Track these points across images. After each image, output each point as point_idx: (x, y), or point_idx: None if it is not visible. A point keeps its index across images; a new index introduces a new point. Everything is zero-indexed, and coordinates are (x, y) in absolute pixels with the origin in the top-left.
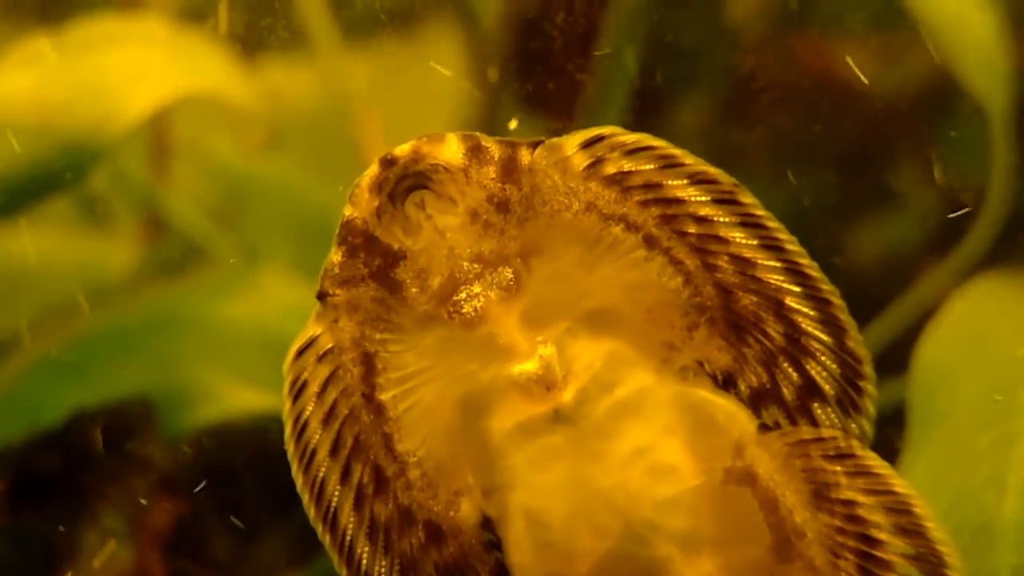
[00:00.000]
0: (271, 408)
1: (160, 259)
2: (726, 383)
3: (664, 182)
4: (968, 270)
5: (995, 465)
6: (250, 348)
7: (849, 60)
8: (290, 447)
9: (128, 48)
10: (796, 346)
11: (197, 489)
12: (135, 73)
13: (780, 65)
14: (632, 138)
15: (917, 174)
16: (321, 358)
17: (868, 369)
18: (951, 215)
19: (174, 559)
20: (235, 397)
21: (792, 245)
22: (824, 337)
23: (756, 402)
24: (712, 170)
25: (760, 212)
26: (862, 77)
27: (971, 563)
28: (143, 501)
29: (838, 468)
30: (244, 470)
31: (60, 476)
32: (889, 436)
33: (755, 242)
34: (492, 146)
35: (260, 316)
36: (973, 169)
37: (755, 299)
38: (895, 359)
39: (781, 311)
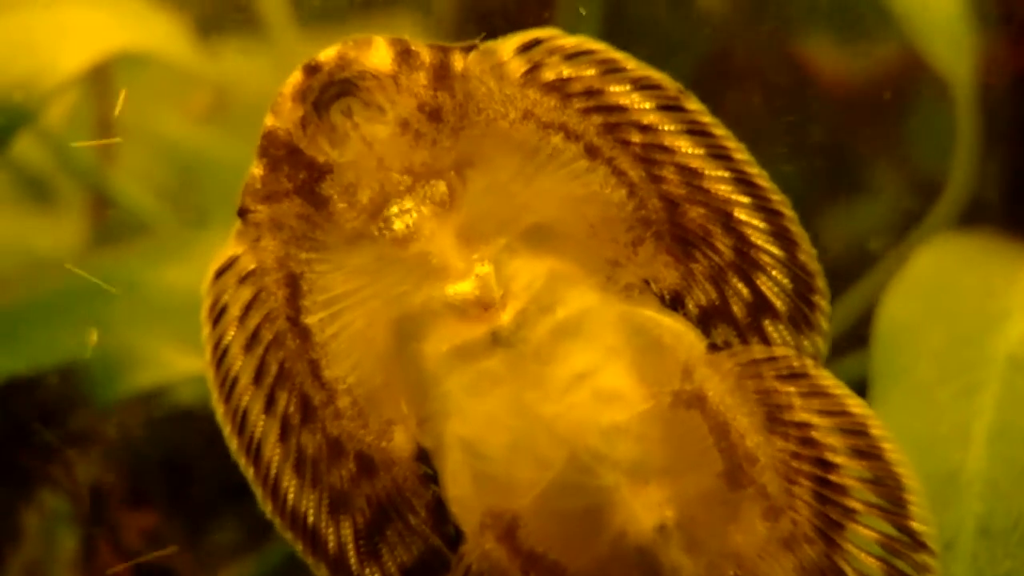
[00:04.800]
0: None
1: (105, 235)
2: (673, 301)
3: (606, 88)
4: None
5: (959, 416)
6: (191, 313)
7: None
8: (210, 374)
9: (63, 8)
10: (746, 260)
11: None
12: (67, 30)
13: (747, 52)
14: (572, 41)
15: (885, 161)
16: (243, 280)
17: (821, 283)
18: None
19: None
20: (176, 362)
21: (740, 154)
22: (775, 250)
23: (705, 321)
24: (656, 75)
25: (707, 119)
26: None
27: (938, 514)
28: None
29: (791, 389)
30: (194, 448)
31: None
32: None
33: (702, 151)
34: (423, 51)
35: (201, 281)
36: (939, 154)
37: (703, 211)
38: (860, 335)
39: (730, 223)
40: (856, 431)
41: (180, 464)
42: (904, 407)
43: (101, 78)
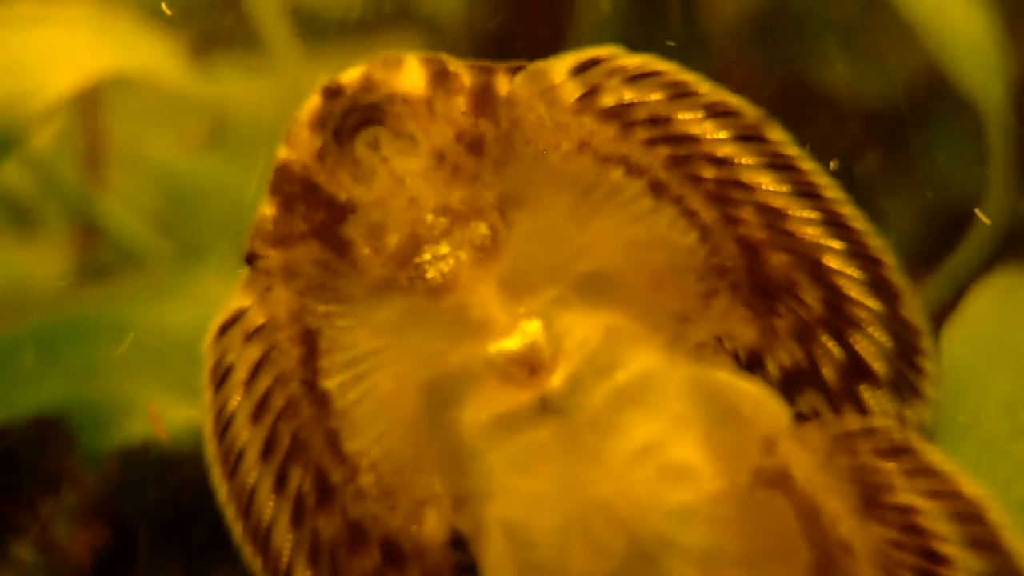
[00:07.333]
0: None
1: (93, 267)
2: (752, 363)
3: (674, 115)
4: (971, 273)
5: None
6: (184, 357)
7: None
8: (211, 448)
9: (50, 28)
10: (838, 315)
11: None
12: (54, 51)
13: (757, 71)
14: (634, 61)
15: (902, 187)
16: (251, 336)
17: (927, 343)
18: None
19: None
20: (168, 411)
21: (831, 191)
22: (872, 304)
23: (790, 386)
24: (732, 100)
25: (792, 151)
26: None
27: None
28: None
29: (892, 466)
30: (182, 499)
31: None
32: None
33: (786, 188)
34: (462, 72)
35: (197, 322)
36: (962, 179)
37: (787, 258)
38: None
39: (819, 272)
40: (970, 517)
41: (167, 517)
42: (973, 465)
43: (90, 102)
